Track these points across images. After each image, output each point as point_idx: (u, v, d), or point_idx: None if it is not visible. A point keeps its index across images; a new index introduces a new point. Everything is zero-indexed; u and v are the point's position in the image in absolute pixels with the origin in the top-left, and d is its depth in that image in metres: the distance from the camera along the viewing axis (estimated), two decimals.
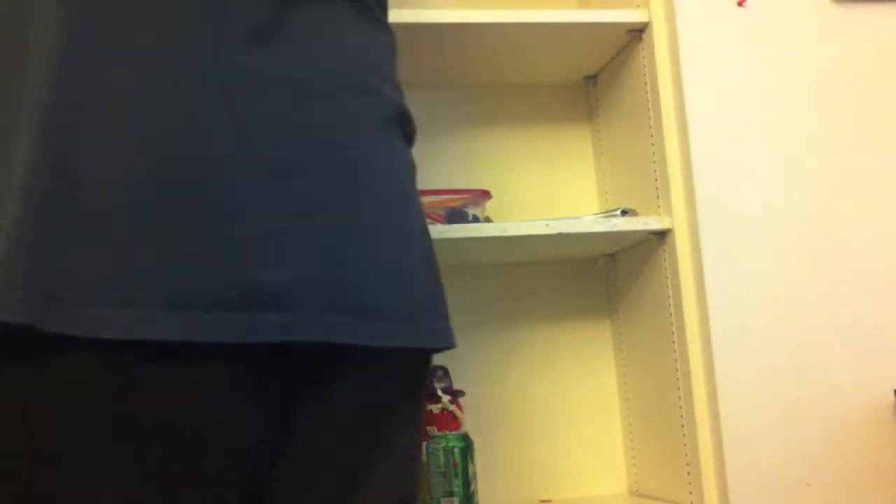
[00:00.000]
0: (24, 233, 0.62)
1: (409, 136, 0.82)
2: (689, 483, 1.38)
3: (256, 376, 0.66)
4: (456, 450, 1.37)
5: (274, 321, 0.64)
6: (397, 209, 0.74)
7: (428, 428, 1.49)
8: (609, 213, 1.47)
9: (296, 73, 0.71)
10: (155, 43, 0.68)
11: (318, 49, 0.73)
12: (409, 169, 0.80)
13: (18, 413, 0.62)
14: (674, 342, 1.41)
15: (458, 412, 1.50)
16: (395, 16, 1.13)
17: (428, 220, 1.42)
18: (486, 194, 1.50)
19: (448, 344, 0.76)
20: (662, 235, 1.43)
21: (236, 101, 0.67)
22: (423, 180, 1.62)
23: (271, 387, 0.67)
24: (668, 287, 1.42)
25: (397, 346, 0.70)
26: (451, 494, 1.36)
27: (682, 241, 1.39)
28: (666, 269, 1.43)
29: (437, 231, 1.35)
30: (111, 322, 0.61)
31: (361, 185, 0.71)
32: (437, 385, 1.52)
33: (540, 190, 1.69)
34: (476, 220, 1.45)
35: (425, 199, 1.44)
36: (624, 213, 1.46)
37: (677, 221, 1.40)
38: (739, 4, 1.42)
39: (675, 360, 1.41)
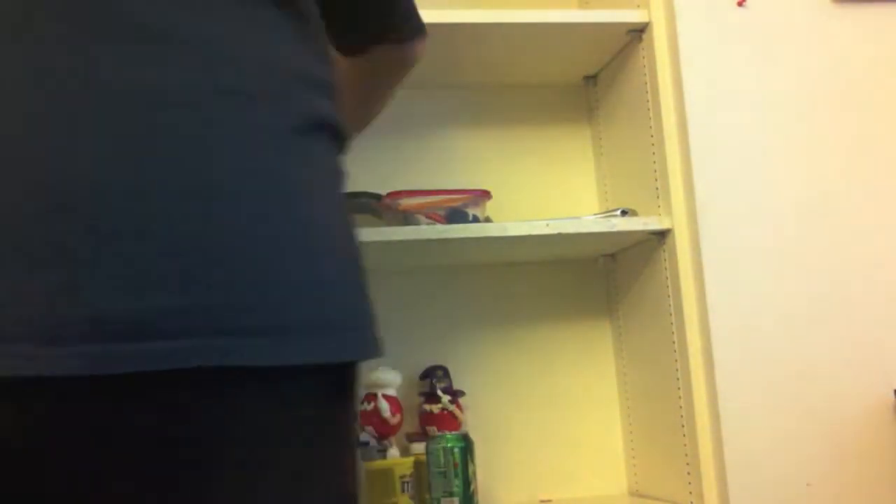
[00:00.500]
0: None
1: (334, 141, 0.76)
2: (689, 483, 1.38)
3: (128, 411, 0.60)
4: (456, 450, 1.37)
5: (128, 351, 0.59)
6: (292, 222, 0.66)
7: (428, 428, 1.49)
8: (609, 214, 1.47)
9: (169, 81, 0.64)
10: (9, 40, 0.62)
11: (205, 54, 0.66)
12: (323, 176, 0.72)
13: None
14: (674, 342, 1.41)
15: (458, 412, 1.50)
16: None
17: (428, 221, 1.44)
18: (486, 194, 1.50)
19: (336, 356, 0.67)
20: (662, 235, 1.43)
21: (99, 114, 0.62)
22: (424, 180, 1.64)
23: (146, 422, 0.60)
24: (668, 287, 1.42)
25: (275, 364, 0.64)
26: (451, 494, 1.36)
27: (682, 241, 1.40)
28: (666, 269, 1.43)
29: (437, 231, 1.35)
30: None
31: (239, 199, 0.64)
32: (437, 385, 1.52)
33: (540, 190, 1.69)
34: (476, 220, 1.45)
35: (425, 200, 1.45)
36: (624, 213, 1.46)
37: (677, 221, 1.40)
38: (739, 4, 1.42)
39: (675, 360, 1.41)
